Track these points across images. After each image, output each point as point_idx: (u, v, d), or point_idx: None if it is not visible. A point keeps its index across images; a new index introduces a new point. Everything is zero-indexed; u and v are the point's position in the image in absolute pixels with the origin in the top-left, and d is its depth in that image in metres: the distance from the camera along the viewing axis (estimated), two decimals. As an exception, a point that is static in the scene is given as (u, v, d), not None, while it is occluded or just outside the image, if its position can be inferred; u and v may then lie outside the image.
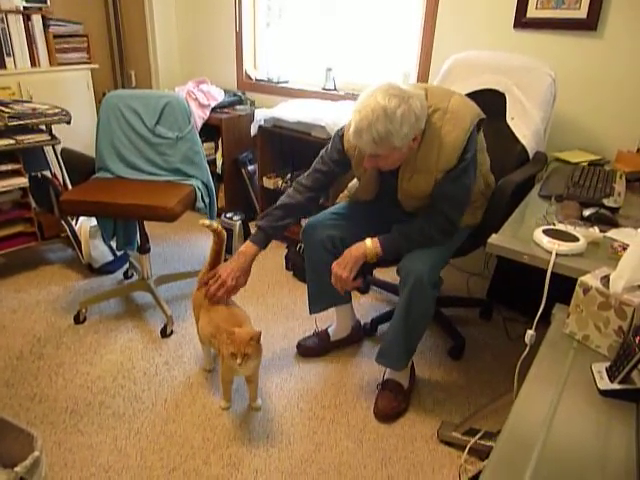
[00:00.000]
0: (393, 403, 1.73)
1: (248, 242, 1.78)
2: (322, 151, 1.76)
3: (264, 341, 2.06)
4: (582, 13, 2.05)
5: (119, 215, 2.08)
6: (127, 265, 2.59)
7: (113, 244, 2.47)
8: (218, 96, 3.08)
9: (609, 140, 2.16)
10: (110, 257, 2.56)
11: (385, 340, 1.71)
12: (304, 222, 1.86)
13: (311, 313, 1.94)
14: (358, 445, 1.62)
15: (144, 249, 2.23)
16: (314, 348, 2.01)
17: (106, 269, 2.56)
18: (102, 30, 3.68)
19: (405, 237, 1.60)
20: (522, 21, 2.21)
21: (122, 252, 2.55)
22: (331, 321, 2.08)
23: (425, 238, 1.59)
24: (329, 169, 1.73)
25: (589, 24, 2.05)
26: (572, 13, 2.08)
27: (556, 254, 1.21)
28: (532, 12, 2.17)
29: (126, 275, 2.56)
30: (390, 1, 2.65)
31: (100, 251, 2.53)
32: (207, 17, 3.38)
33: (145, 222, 2.21)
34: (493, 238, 1.32)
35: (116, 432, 1.63)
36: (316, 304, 1.92)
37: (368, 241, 1.61)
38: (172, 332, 2.13)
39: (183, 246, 2.91)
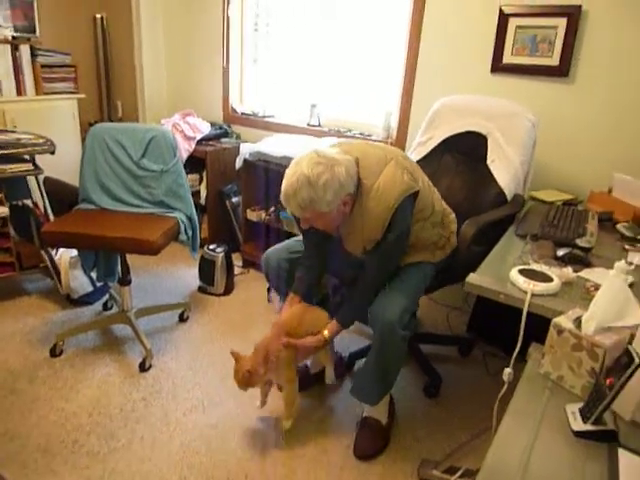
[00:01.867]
0: (372, 442, 1.73)
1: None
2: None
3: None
4: (554, 60, 2.16)
5: (101, 248, 2.07)
6: (107, 296, 2.56)
7: (93, 275, 2.45)
8: (204, 129, 3.12)
9: (582, 180, 2.25)
10: (90, 288, 2.53)
11: (358, 376, 1.73)
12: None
13: None
14: (338, 484, 1.60)
15: (125, 281, 2.22)
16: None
17: (85, 300, 2.53)
18: (90, 60, 3.73)
19: (354, 307, 1.67)
20: (499, 66, 2.31)
21: (102, 283, 2.53)
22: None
23: (364, 308, 1.63)
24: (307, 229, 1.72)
25: (561, 71, 2.16)
26: (545, 60, 2.18)
27: (531, 294, 1.25)
28: (508, 58, 2.27)
29: (105, 306, 2.53)
30: (375, 42, 2.75)
31: (80, 282, 2.50)
32: (195, 51, 3.46)
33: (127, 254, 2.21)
34: (471, 277, 1.36)
35: (90, 472, 1.59)
36: None
37: (325, 332, 1.67)
38: (151, 366, 2.10)
39: (164, 277, 2.90)
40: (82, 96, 3.37)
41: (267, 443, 1.74)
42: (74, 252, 2.42)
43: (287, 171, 1.48)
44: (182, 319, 2.46)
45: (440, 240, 1.77)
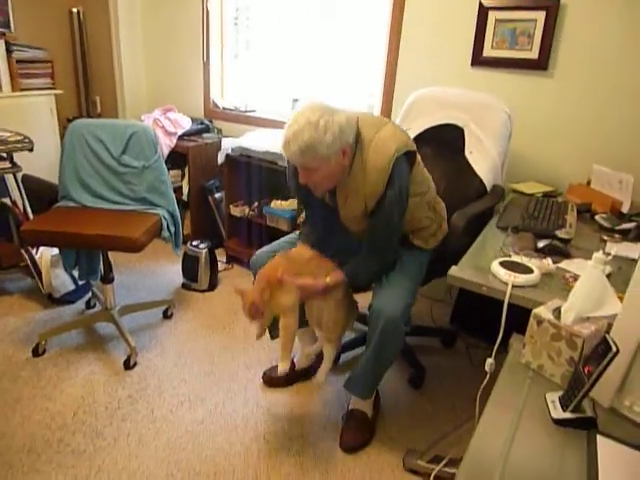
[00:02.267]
0: (358, 434, 1.74)
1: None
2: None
3: (229, 371, 2.06)
4: (534, 54, 2.19)
5: (83, 246, 2.05)
6: (89, 294, 2.53)
7: (75, 273, 2.42)
8: (185, 124, 3.09)
9: (561, 172, 2.28)
10: (72, 286, 2.50)
11: (355, 370, 1.72)
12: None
13: (272, 339, 1.91)
14: (325, 477, 1.61)
15: (108, 279, 2.20)
16: (279, 378, 2.00)
17: (67, 299, 2.50)
18: (67, 55, 3.65)
19: (361, 266, 1.66)
20: (479, 59, 2.33)
21: (84, 281, 2.50)
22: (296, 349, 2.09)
23: (371, 271, 1.66)
24: (305, 198, 1.78)
25: (540, 64, 2.19)
26: (525, 54, 2.21)
27: (512, 285, 1.27)
28: (488, 51, 2.29)
29: (88, 305, 2.50)
30: (356, 36, 2.74)
31: (61, 280, 2.47)
32: (175, 45, 3.41)
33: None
34: (453, 270, 1.37)
35: (76, 471, 1.58)
36: (275, 329, 1.91)
37: (328, 278, 1.63)
38: (136, 364, 2.08)
39: (147, 275, 2.87)
40: (60, 92, 3.30)
41: (254, 437, 1.75)
42: (55, 250, 2.39)
43: (288, 121, 1.49)
44: (166, 316, 2.45)
45: (432, 226, 1.79)
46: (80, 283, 2.52)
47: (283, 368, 1.60)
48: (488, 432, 0.93)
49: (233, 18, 3.19)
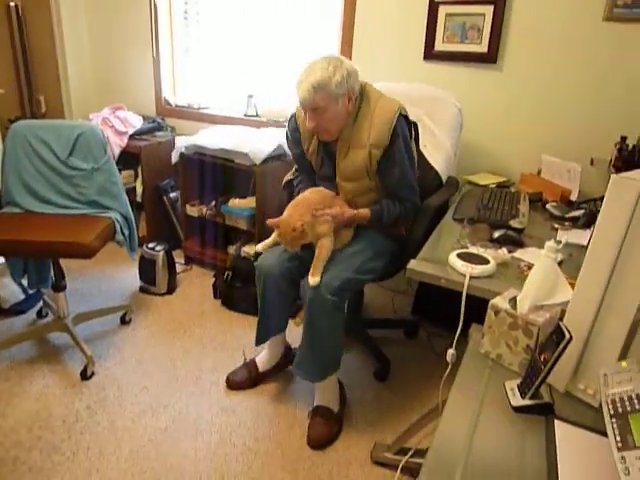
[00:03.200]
0: (325, 430, 1.74)
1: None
2: (290, 152, 1.98)
3: (192, 375, 2.01)
4: (483, 47, 2.23)
5: (31, 254, 1.96)
6: (41, 303, 2.42)
7: (24, 282, 2.31)
8: (136, 123, 2.99)
9: (513, 163, 2.35)
10: (21, 296, 2.39)
11: (298, 350, 1.75)
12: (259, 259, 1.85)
13: (257, 345, 1.90)
14: (294, 476, 1.60)
15: (59, 287, 2.11)
16: (244, 382, 1.97)
17: (17, 309, 2.38)
18: (6, 53, 3.46)
19: (379, 214, 1.77)
20: (431, 53, 2.36)
21: (34, 290, 2.39)
22: (259, 350, 2.06)
23: (393, 215, 1.79)
24: (300, 151, 1.88)
25: (490, 57, 2.23)
26: (475, 47, 2.25)
27: (469, 277, 1.29)
28: (440, 45, 2.32)
29: (40, 314, 2.39)
30: (309, 30, 2.72)
31: (10, 290, 2.35)
32: (122, 41, 3.30)
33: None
34: (412, 264, 1.39)
35: (32, 490, 1.51)
36: (263, 337, 1.90)
37: (355, 211, 1.76)
38: (93, 373, 2.01)
39: (102, 280, 2.78)
40: (0, 91, 3.13)
41: (220, 441, 1.72)
42: (1, 259, 2.27)
43: (301, 69, 1.67)
44: (124, 322, 2.37)
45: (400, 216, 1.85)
46: (30, 292, 2.41)
47: (315, 281, 1.64)
48: (451, 423, 0.94)
49: (182, 12, 3.10)
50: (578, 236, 1.65)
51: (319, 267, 1.65)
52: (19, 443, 1.67)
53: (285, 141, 2.55)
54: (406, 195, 1.79)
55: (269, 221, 1.67)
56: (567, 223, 1.79)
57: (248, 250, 2.71)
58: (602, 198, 1.91)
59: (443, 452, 0.89)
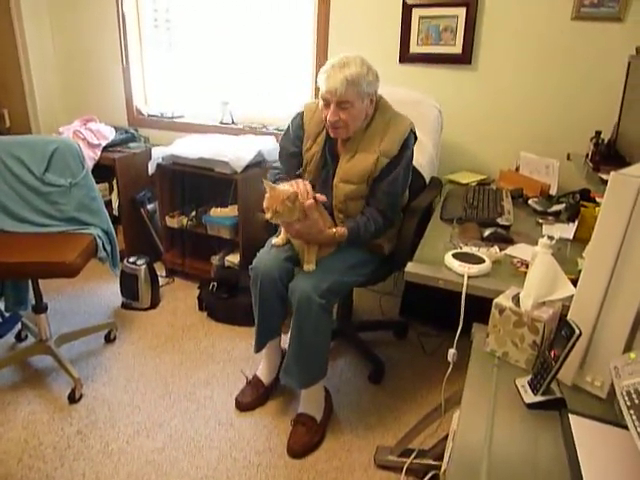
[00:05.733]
0: (305, 438, 1.73)
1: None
2: (280, 142, 1.94)
3: (185, 391, 1.97)
4: (457, 49, 2.27)
5: (9, 275, 1.88)
6: (19, 326, 2.33)
7: (1, 305, 2.22)
8: (109, 134, 2.92)
9: (491, 160, 2.39)
10: (-2, 320, 2.29)
11: (285, 359, 1.74)
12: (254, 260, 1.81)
13: (256, 352, 1.88)
14: (298, 486, 1.59)
15: (40, 308, 2.03)
16: (254, 400, 1.92)
17: (-6, 333, 2.29)
18: (-35, 66, 3.33)
19: (356, 232, 1.72)
20: (406, 56, 2.38)
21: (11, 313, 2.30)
22: (256, 365, 2.04)
23: (369, 232, 1.74)
24: (297, 149, 1.85)
25: (464, 58, 2.27)
26: (449, 49, 2.28)
27: (467, 276, 1.31)
28: (414, 48, 2.35)
29: (19, 338, 2.30)
30: (283, 37, 2.71)
31: (-15, 314, 2.25)
32: (90, 50, 3.20)
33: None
34: (409, 266, 1.40)
35: (28, 523, 1.45)
36: (262, 342, 1.87)
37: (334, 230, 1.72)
38: (82, 396, 1.94)
39: (82, 298, 2.69)
40: (-40, 106, 3.01)
41: (220, 457, 1.69)
42: (-26, 282, 2.17)
43: (329, 62, 1.65)
44: (109, 340, 2.31)
45: (394, 227, 1.85)
46: (7, 315, 2.31)
47: (310, 268, 1.67)
48: (469, 426, 0.95)
49: (152, 19, 3.04)
50: (562, 230, 1.69)
51: (312, 255, 1.68)
52: (9, 476, 1.60)
53: (265, 147, 2.58)
54: (384, 208, 1.75)
55: (266, 183, 1.62)
56: (550, 218, 1.83)
57: (232, 259, 2.68)
58: (581, 191, 1.98)
59: (465, 460, 0.89)
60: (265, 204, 1.60)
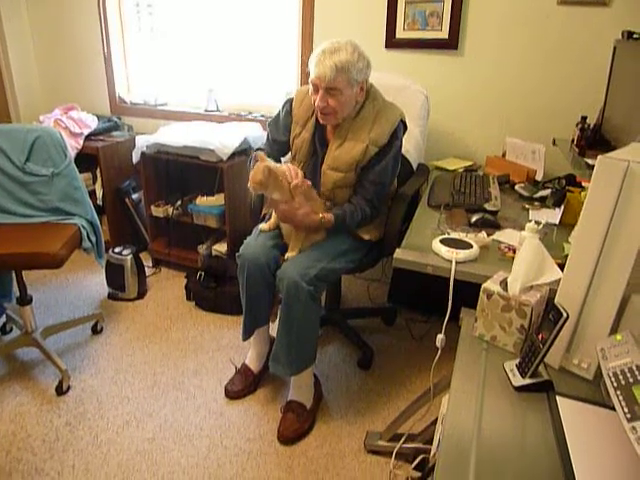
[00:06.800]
0: (295, 425, 1.73)
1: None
2: (268, 130, 1.92)
3: (174, 381, 1.97)
4: (444, 34, 2.25)
5: (-8, 267, 1.85)
6: (3, 319, 2.30)
7: (-17, 298, 2.18)
8: (91, 123, 2.86)
9: (478, 146, 2.40)
10: (-19, 313, 2.26)
11: (274, 346, 1.73)
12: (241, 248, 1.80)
13: (244, 340, 1.89)
14: (289, 473, 1.60)
15: (24, 300, 2.00)
16: (243, 389, 1.92)
17: (-23, 327, 2.25)
18: (-60, 54, 3.23)
19: (342, 220, 1.72)
20: (392, 41, 2.36)
21: (-4, 305, 2.26)
22: (244, 353, 2.03)
23: (355, 221, 1.74)
24: (285, 138, 1.85)
25: (451, 44, 2.26)
26: (435, 34, 2.27)
27: (455, 262, 1.31)
28: (401, 33, 2.33)
29: (4, 330, 2.26)
30: (268, 23, 2.67)
31: (-32, 307, 2.21)
32: (70, 37, 3.13)
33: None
34: (398, 253, 1.40)
35: (18, 515, 1.44)
36: (250, 329, 1.87)
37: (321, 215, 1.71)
38: (69, 388, 1.93)
39: (68, 289, 2.66)
40: (-64, 95, 2.93)
41: (211, 445, 1.69)
42: (-44, 275, 2.13)
43: (320, 46, 1.62)
44: (96, 331, 2.28)
45: (381, 215, 1.84)
46: (-10, 308, 2.27)
47: (291, 255, 1.70)
48: (458, 409, 0.95)
49: (134, 5, 2.97)
50: (549, 215, 1.70)
51: (297, 243, 1.70)
52: (-3, 468, 1.59)
53: (251, 134, 2.55)
54: (372, 197, 1.75)
55: (257, 154, 1.67)
56: (536, 203, 1.84)
57: (219, 248, 2.66)
58: (567, 176, 1.99)
59: (454, 436, 0.90)
60: (256, 186, 1.63)
